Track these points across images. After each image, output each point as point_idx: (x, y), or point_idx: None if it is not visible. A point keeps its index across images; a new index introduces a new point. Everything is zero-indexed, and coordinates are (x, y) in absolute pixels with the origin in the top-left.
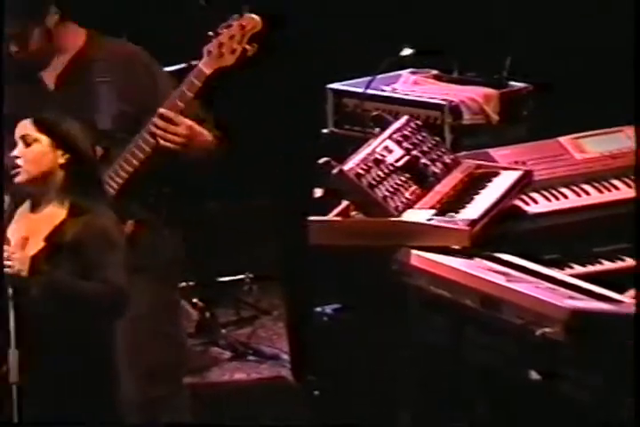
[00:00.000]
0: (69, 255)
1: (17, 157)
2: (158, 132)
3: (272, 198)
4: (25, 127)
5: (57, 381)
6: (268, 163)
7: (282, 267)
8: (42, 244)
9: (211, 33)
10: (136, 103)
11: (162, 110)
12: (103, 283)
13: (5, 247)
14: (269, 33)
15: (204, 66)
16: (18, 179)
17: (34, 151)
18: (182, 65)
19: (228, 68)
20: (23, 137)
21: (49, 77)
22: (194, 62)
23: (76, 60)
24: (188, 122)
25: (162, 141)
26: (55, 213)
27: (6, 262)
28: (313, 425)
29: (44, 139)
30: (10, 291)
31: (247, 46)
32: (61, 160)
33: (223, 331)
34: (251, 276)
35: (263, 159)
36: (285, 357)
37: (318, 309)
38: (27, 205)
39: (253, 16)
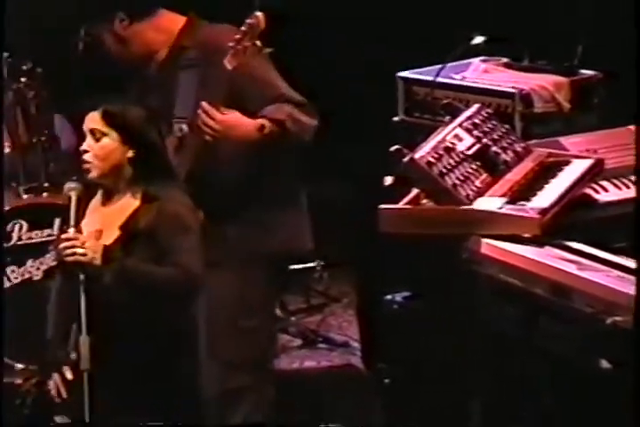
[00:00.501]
0: (144, 242)
1: (86, 151)
2: (198, 123)
3: (344, 186)
4: (94, 120)
5: (130, 369)
6: (339, 150)
7: (352, 254)
8: (117, 233)
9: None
10: (219, 93)
11: (203, 103)
12: (176, 267)
13: (78, 235)
14: None
15: (228, 62)
16: (90, 175)
17: (103, 147)
18: None
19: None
20: (92, 131)
21: (154, 64)
22: None
23: (173, 46)
24: (221, 117)
25: (204, 134)
26: (128, 203)
27: (78, 250)
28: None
29: (113, 134)
30: (81, 278)
31: (258, 43)
32: (130, 154)
33: (293, 318)
34: (321, 263)
35: (335, 146)
36: (355, 344)
37: (388, 296)
38: (98, 197)
39: (259, 14)
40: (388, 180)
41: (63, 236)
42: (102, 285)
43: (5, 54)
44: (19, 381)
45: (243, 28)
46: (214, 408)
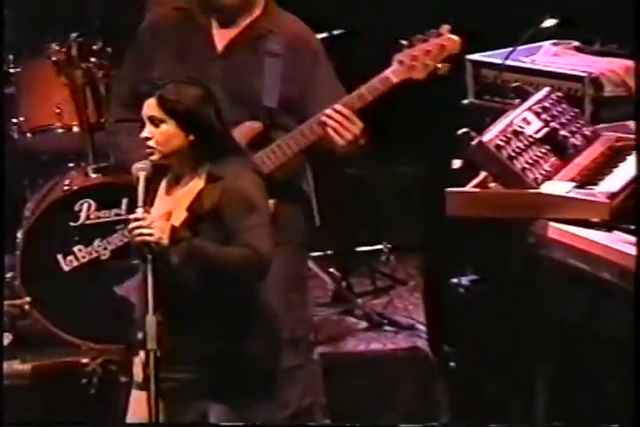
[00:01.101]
0: (211, 222)
1: (148, 138)
2: (333, 124)
3: (412, 169)
4: (151, 108)
5: (197, 348)
6: (409, 133)
7: (419, 237)
8: (184, 214)
9: (404, 42)
10: (296, 86)
11: (339, 107)
12: (246, 247)
13: (146, 215)
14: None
15: (393, 74)
16: (152, 158)
17: (163, 133)
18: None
19: (417, 81)
20: (150, 118)
21: (220, 40)
22: None
23: (251, 27)
24: (361, 123)
25: (332, 133)
26: (194, 184)
27: (145, 230)
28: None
29: (170, 120)
30: (148, 258)
31: (439, 65)
32: (190, 138)
33: (359, 301)
34: (388, 246)
35: (404, 129)
36: (421, 327)
37: (454, 280)
38: (167, 180)
39: (455, 38)
40: (457, 163)
41: (131, 216)
42: (170, 265)
43: (75, 34)
44: (85, 360)
45: (426, 46)
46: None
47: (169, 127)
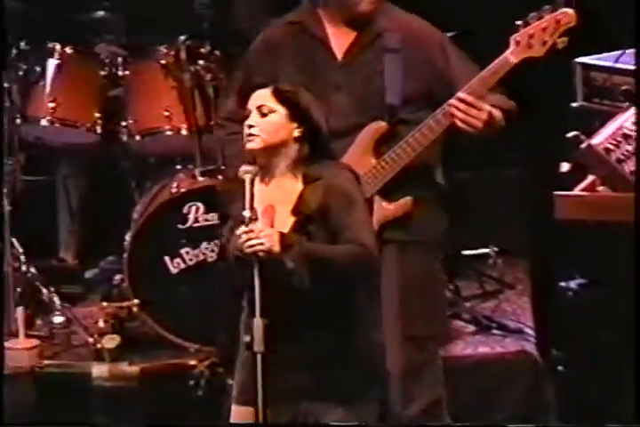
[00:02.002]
0: (318, 222)
1: (251, 126)
2: (459, 114)
3: (519, 172)
4: (263, 97)
5: (305, 351)
6: (517, 135)
7: (527, 241)
8: (291, 218)
9: (519, 22)
10: (422, 81)
11: (462, 95)
12: (354, 244)
13: (253, 228)
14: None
15: (512, 55)
16: (251, 145)
17: (270, 122)
18: None
19: (536, 58)
20: (259, 107)
21: (339, 48)
22: None
23: (366, 29)
24: (488, 107)
25: (460, 124)
26: (291, 185)
27: (255, 241)
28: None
29: (282, 110)
30: (256, 263)
31: (558, 40)
32: (296, 133)
33: (467, 304)
34: (495, 249)
35: (512, 131)
36: (529, 331)
37: (562, 284)
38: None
39: (569, 11)
40: (565, 166)
41: (238, 232)
42: (285, 270)
43: (183, 37)
44: (193, 362)
45: (541, 23)
46: (398, 385)
47: (278, 117)
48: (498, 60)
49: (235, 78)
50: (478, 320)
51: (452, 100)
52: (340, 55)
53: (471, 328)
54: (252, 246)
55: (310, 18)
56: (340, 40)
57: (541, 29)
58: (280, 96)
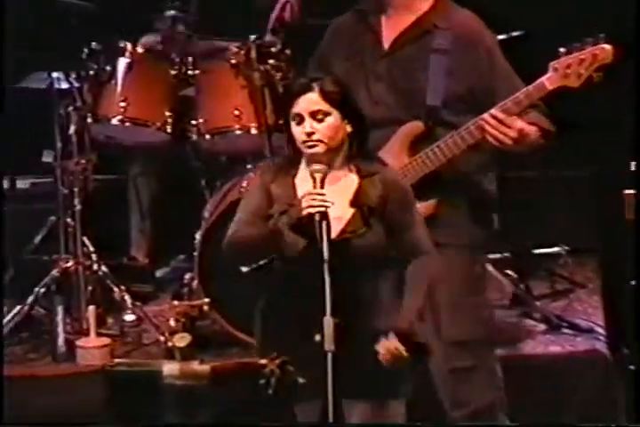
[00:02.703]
0: (377, 214)
1: (311, 133)
2: (489, 129)
3: (589, 171)
4: (314, 102)
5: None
6: (586, 134)
7: (597, 240)
8: (350, 210)
9: (562, 49)
10: (465, 83)
11: (494, 111)
12: (412, 244)
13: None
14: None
15: (548, 81)
16: (315, 150)
17: (329, 127)
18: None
19: (571, 89)
20: (313, 113)
21: (387, 39)
22: None
23: (418, 23)
24: (520, 125)
25: (490, 138)
26: (345, 180)
27: (316, 202)
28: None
29: (336, 113)
30: (325, 256)
31: (594, 74)
32: (348, 129)
33: (537, 303)
34: (566, 248)
35: (582, 131)
36: (600, 330)
37: (633, 282)
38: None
39: (607, 47)
40: (635, 165)
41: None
42: (349, 266)
43: (254, 36)
44: (263, 361)
45: (580, 55)
46: (444, 388)
47: (334, 120)
48: (535, 83)
49: (310, 65)
50: (549, 319)
51: (485, 115)
52: (386, 45)
53: (542, 327)
54: (312, 207)
55: (372, 6)
56: (390, 31)
57: (579, 61)
58: (329, 98)
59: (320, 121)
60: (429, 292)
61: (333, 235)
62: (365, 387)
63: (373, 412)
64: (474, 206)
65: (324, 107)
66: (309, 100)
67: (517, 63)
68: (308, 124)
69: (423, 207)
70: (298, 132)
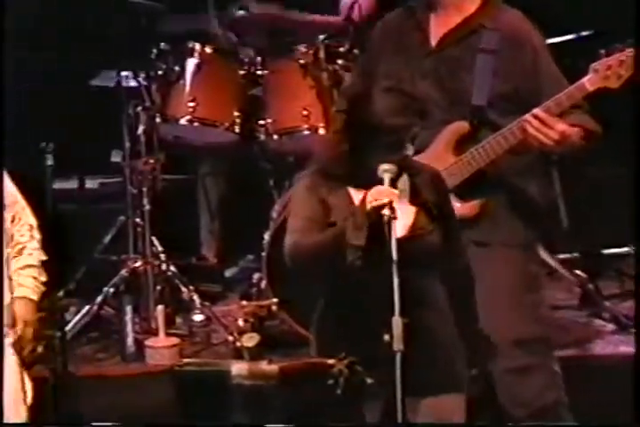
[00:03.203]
0: (437, 211)
1: None
2: (531, 130)
3: None
4: None
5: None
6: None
7: None
8: (412, 208)
9: (602, 51)
10: (511, 83)
11: (536, 112)
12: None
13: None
14: None
15: (589, 82)
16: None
17: None
18: None
19: (611, 90)
20: None
21: (435, 37)
22: None
23: (466, 23)
24: (562, 127)
25: (531, 140)
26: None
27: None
28: None
29: None
30: (394, 256)
31: (635, 74)
32: None
33: (607, 303)
34: (634, 248)
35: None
36: None
37: None
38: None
39: None
40: None
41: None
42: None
43: (322, 36)
44: (331, 361)
45: (621, 56)
46: (502, 387)
47: None
48: (575, 84)
49: (357, 62)
50: (618, 319)
51: (527, 116)
52: (434, 43)
53: (611, 327)
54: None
55: (422, 4)
56: (438, 29)
57: (619, 62)
58: None
59: None
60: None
61: (400, 233)
62: (425, 384)
63: (433, 408)
64: (520, 206)
65: None
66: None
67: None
68: None
69: (467, 207)
70: None
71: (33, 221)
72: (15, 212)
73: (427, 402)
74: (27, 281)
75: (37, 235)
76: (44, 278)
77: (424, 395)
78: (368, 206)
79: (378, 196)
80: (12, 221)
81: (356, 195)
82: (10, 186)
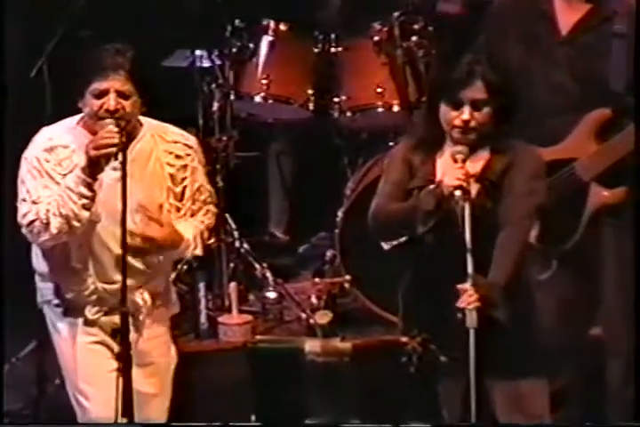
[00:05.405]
0: (499, 192)
1: (468, 121)
2: None
3: None
4: (477, 91)
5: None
6: None
7: None
8: (475, 185)
9: None
10: None
11: None
12: (509, 210)
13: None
14: None
15: None
16: (470, 137)
17: (485, 115)
18: None
19: None
20: (474, 102)
21: (565, 25)
22: None
23: (595, 9)
24: None
25: None
26: (477, 154)
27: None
28: None
29: (494, 102)
30: (467, 238)
31: None
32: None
33: None
34: None
35: None
36: None
37: None
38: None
39: None
40: None
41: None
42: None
43: (397, 13)
44: (404, 339)
45: None
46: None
47: (490, 110)
48: None
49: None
50: None
51: None
52: (564, 31)
53: None
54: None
55: None
56: (566, 16)
57: None
58: (492, 88)
59: (479, 109)
60: None
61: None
62: (506, 366)
63: (515, 391)
64: None
65: (486, 96)
66: (473, 89)
67: None
68: (467, 111)
69: (613, 195)
70: (452, 116)
71: None
72: None
73: (509, 384)
74: None
75: None
76: None
77: (505, 377)
78: (443, 189)
79: (453, 180)
80: None
81: (442, 165)
82: None
